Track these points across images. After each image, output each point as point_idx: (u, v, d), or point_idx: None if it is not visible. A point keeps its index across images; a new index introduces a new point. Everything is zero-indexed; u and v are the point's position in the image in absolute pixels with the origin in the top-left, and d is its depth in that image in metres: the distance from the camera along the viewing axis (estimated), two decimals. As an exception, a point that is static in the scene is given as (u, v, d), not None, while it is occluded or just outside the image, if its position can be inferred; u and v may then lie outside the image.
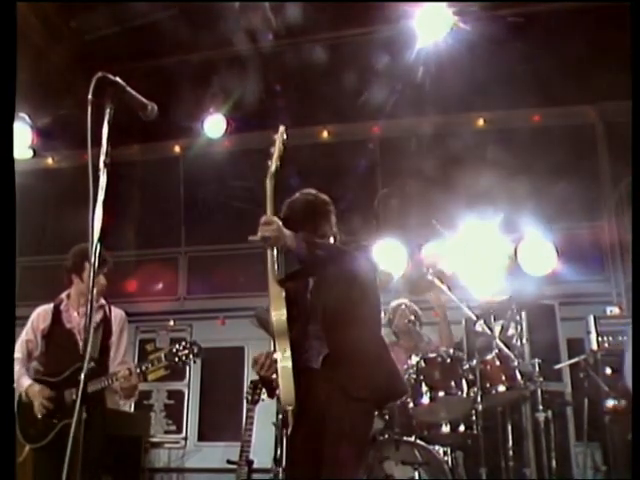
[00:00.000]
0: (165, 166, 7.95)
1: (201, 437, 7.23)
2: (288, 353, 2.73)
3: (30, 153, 7.02)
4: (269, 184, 2.88)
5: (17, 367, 3.84)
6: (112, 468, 5.06)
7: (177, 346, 3.76)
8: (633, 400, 2.43)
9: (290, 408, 2.70)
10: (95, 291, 3.72)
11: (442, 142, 7.23)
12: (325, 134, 7.77)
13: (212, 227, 7.82)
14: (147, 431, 6.53)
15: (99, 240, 2.19)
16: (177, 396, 7.38)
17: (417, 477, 3.75)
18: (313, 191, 3.17)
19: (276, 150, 2.96)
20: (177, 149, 8.01)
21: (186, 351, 3.74)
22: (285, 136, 3.03)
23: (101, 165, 2.26)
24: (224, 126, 7.43)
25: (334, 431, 2.77)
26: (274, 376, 2.81)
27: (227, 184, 7.83)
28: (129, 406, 7.28)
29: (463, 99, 6.99)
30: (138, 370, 3.75)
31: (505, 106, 7.18)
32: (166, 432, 7.26)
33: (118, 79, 2.32)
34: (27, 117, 6.87)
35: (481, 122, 7.40)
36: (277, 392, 2.76)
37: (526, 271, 6.71)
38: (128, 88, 2.35)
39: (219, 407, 7.16)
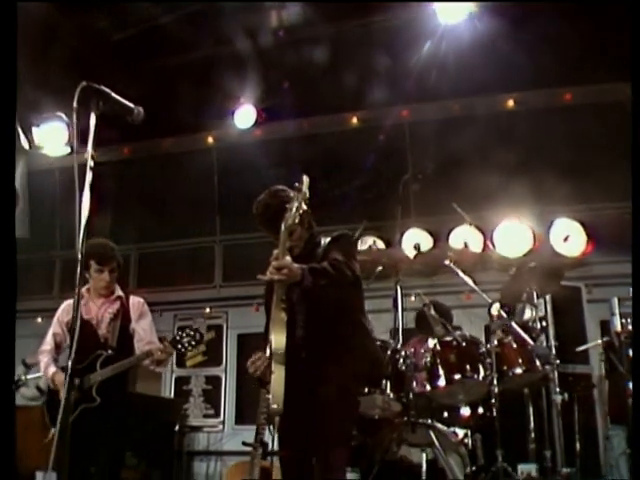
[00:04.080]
0: (199, 158, 8.10)
1: (238, 421, 7.43)
2: (282, 371, 2.87)
3: (67, 150, 7.27)
4: (284, 234, 2.92)
5: (45, 358, 4.12)
6: (145, 450, 5.30)
7: (181, 333, 3.94)
8: (633, 399, 2.43)
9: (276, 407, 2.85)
10: (102, 285, 3.92)
11: (471, 124, 7.18)
12: (354, 120, 7.79)
13: (246, 216, 7.92)
14: (179, 416, 6.75)
15: (84, 234, 2.31)
16: (215, 381, 7.59)
17: (425, 458, 3.81)
18: (282, 187, 3.23)
19: (296, 205, 2.91)
20: (210, 140, 8.16)
21: (188, 338, 3.91)
22: (307, 188, 2.94)
23: (88, 168, 2.37)
24: (254, 116, 7.55)
25: (322, 414, 2.94)
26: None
27: (260, 173, 7.95)
28: (169, 391, 7.57)
29: (492, 80, 6.90)
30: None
31: (535, 86, 7.08)
32: (204, 416, 7.49)
33: (102, 87, 2.44)
34: (63, 115, 7.12)
35: (511, 103, 7.29)
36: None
37: (558, 252, 6.67)
38: (113, 94, 2.47)
39: (255, 391, 7.30)
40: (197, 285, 7.97)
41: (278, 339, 2.92)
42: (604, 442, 5.52)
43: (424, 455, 3.79)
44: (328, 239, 3.26)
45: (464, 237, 6.76)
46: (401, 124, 7.60)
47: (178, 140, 8.16)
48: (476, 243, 6.67)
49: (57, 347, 4.20)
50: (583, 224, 6.58)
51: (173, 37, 6.89)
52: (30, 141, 6.90)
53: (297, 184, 2.95)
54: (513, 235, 6.71)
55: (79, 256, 2.31)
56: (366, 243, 7.11)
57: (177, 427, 6.81)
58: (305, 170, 7.93)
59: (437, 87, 6.99)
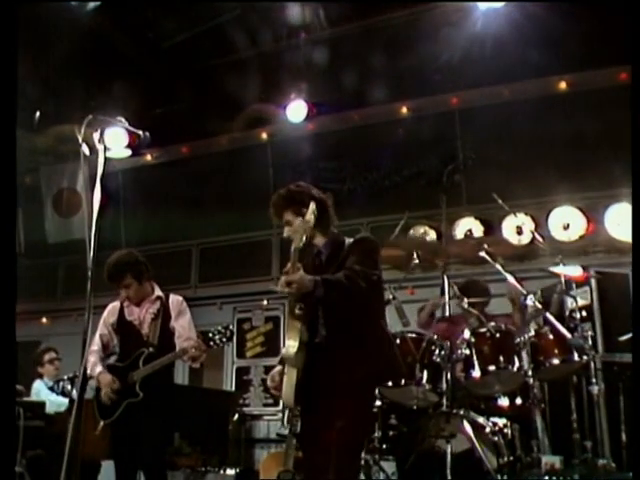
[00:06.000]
0: (254, 153, 8.31)
1: (297, 409, 7.62)
2: (294, 373, 3.08)
3: (128, 152, 7.59)
4: (294, 255, 3.08)
5: (93, 358, 4.31)
6: (198, 439, 5.57)
7: (213, 330, 4.11)
8: (633, 396, 2.42)
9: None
10: (125, 296, 4.10)
11: (521, 109, 7.07)
12: (404, 110, 7.78)
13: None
14: (236, 406, 7.01)
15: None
16: (273, 371, 7.81)
17: (450, 450, 3.86)
18: (304, 184, 3.35)
19: (303, 229, 3.10)
20: (264, 136, 8.35)
21: (219, 335, 4.07)
22: (315, 213, 3.12)
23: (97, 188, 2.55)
24: (305, 110, 7.67)
25: (340, 406, 3.05)
26: None
27: (313, 166, 8.10)
28: (230, 381, 7.87)
29: (542, 62, 6.74)
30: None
31: (587, 66, 6.86)
32: (264, 405, 7.74)
33: (107, 118, 2.61)
34: (123, 120, 7.44)
35: (563, 85, 7.09)
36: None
37: (614, 237, 6.53)
38: (119, 123, 2.64)
39: (313, 380, 7.49)
40: (255, 278, 8.17)
41: (290, 344, 3.11)
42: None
43: (449, 446, 3.83)
44: (351, 240, 3.36)
45: (516, 224, 6.73)
46: (451, 111, 7.54)
47: (233, 137, 8.38)
48: (528, 231, 6.62)
49: (104, 347, 4.44)
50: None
51: (223, 39, 7.11)
52: (90, 146, 7.24)
53: (304, 210, 3.16)
54: (567, 220, 6.61)
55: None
56: (418, 232, 7.17)
57: (237, 416, 7.11)
58: (355, 161, 8.00)
59: (486, 72, 6.91)
